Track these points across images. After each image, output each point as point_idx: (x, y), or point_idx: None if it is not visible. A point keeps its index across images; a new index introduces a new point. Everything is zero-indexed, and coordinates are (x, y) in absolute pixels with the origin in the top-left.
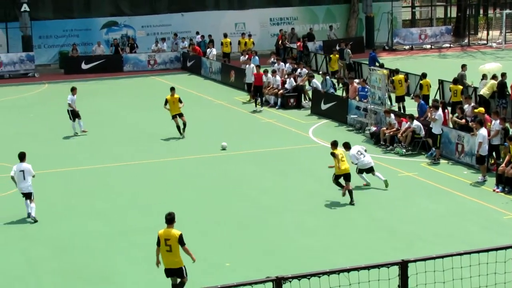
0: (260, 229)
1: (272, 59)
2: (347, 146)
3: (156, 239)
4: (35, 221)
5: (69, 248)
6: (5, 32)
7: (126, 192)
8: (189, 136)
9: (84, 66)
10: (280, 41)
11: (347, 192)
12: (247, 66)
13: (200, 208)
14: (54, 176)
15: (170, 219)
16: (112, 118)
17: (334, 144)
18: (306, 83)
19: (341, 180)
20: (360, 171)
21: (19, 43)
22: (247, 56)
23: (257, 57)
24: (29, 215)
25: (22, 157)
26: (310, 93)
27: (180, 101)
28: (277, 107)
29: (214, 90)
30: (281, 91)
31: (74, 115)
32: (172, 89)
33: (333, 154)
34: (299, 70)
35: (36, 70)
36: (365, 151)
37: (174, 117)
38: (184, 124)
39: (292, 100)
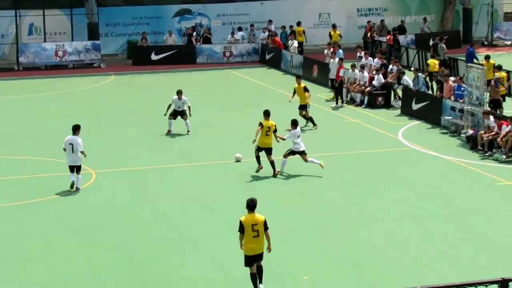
0: (345, 239)
1: (359, 53)
2: (295, 123)
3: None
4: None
5: (132, 254)
6: (69, 19)
7: (195, 194)
8: None
9: (153, 57)
10: (368, 34)
11: (270, 166)
12: (331, 60)
13: (279, 215)
14: (123, 175)
15: (253, 205)
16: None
17: (266, 114)
18: (396, 80)
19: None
20: (292, 153)
21: (84, 31)
22: (332, 49)
23: (341, 51)
24: (73, 185)
25: (75, 129)
26: (400, 91)
27: (306, 89)
28: (363, 106)
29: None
30: (368, 88)
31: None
32: (298, 77)
33: (260, 125)
34: (390, 66)
35: (102, 60)
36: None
37: (301, 107)
38: (306, 118)
39: (380, 99)
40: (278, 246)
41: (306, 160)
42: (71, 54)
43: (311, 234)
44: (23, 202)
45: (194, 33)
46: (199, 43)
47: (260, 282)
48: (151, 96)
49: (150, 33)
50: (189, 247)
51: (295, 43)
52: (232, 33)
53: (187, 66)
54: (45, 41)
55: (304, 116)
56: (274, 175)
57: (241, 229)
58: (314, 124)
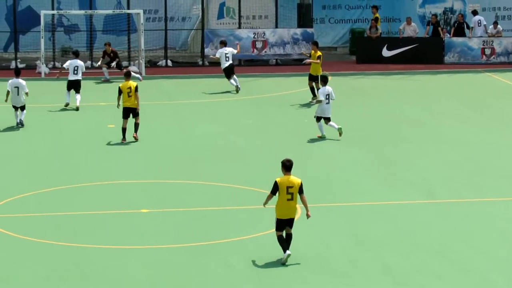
0: None
1: None
2: (325, 80)
3: None
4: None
5: None
6: None
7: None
8: None
9: (385, 53)
10: None
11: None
12: None
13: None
14: (332, 210)
15: (289, 166)
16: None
17: (127, 75)
18: None
19: None
20: (318, 119)
21: (293, 15)
22: None
23: None
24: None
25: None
26: None
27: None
28: None
29: None
30: None
31: None
32: (314, 43)
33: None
34: None
35: None
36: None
37: (311, 78)
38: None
39: None
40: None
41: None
42: (274, 46)
43: None
44: None
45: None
46: (448, 36)
47: (288, 248)
48: (379, 106)
49: (382, 19)
50: None
51: None
52: (495, 23)
53: (430, 66)
54: (239, 27)
55: (312, 89)
56: None
57: (274, 190)
58: (314, 96)
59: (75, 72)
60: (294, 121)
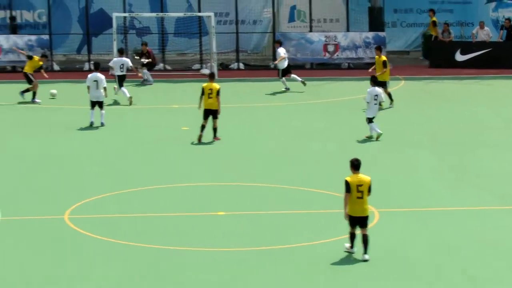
0: None
1: None
2: (374, 80)
3: None
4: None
5: None
6: (345, 1)
7: None
8: None
9: (459, 57)
10: None
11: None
12: None
13: None
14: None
15: (358, 165)
16: None
17: (211, 76)
18: None
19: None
20: (369, 120)
21: (364, 19)
22: None
23: None
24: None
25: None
26: None
27: (385, 64)
28: None
29: None
30: None
31: None
32: (377, 48)
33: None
34: None
35: (388, 59)
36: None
37: (379, 84)
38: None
39: None
40: None
41: None
42: (346, 49)
43: None
44: None
45: None
46: None
47: (365, 252)
48: (451, 110)
49: (454, 23)
50: None
51: None
52: None
53: (505, 71)
54: (310, 30)
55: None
56: None
57: (348, 189)
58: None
59: (121, 69)
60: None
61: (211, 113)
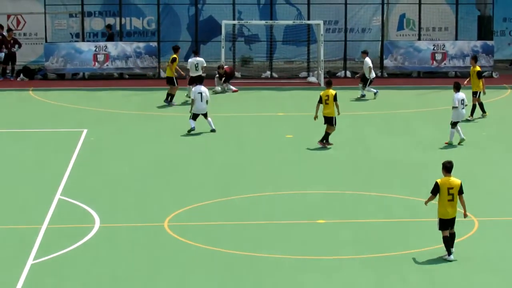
0: None
1: None
2: (457, 87)
3: None
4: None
5: None
6: (454, 10)
7: None
8: None
9: None
10: None
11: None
12: None
13: None
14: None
15: (450, 167)
16: None
17: (328, 83)
18: None
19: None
20: (454, 125)
21: (473, 27)
22: None
23: None
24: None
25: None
26: None
27: (479, 75)
28: None
29: None
30: None
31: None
32: (473, 58)
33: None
34: None
35: (494, 68)
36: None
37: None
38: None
39: None
40: None
41: None
42: (454, 58)
43: None
44: None
45: None
46: None
47: (451, 246)
48: None
49: None
50: None
51: None
52: None
53: None
54: (419, 38)
55: (478, 105)
56: None
57: (435, 191)
58: (484, 112)
59: (196, 69)
60: (471, 134)
61: (329, 120)
